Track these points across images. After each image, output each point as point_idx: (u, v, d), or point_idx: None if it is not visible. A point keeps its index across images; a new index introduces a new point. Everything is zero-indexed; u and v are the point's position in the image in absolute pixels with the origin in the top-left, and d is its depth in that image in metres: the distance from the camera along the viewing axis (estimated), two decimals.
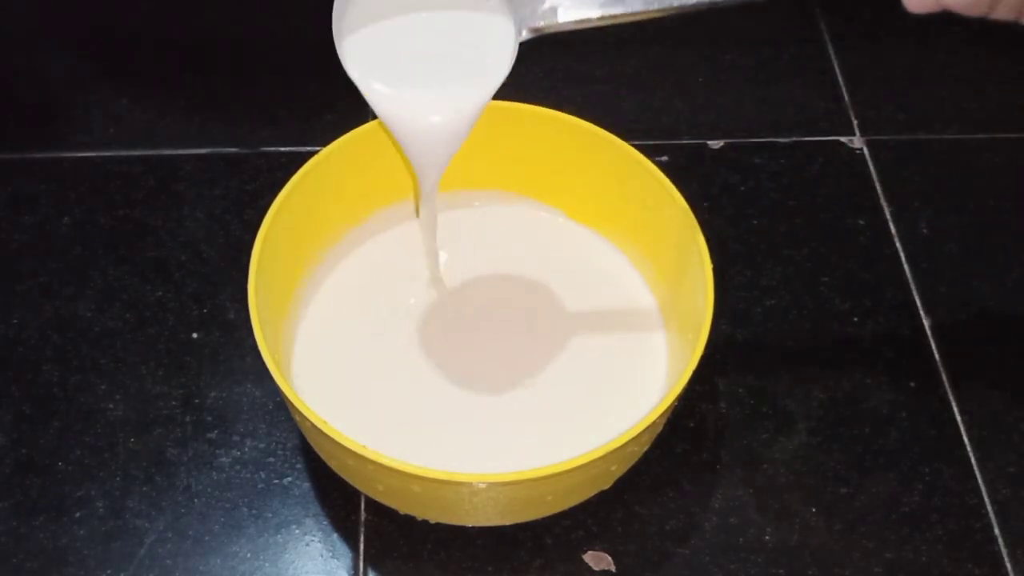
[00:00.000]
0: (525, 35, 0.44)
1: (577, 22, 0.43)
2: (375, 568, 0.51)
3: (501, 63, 0.44)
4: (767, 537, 0.52)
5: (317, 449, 0.52)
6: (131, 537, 0.52)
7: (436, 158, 0.48)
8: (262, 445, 0.55)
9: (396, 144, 0.57)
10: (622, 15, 0.43)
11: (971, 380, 0.58)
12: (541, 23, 0.44)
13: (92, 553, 0.51)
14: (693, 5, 0.43)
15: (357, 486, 0.52)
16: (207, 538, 0.52)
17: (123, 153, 0.66)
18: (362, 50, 0.45)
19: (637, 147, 0.55)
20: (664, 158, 0.66)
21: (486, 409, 0.54)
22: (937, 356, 0.59)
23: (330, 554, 0.52)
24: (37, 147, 0.67)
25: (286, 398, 0.47)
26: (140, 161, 0.66)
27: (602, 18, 0.43)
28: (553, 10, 0.43)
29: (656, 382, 0.54)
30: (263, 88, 0.70)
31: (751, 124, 0.69)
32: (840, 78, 0.71)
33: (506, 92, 0.59)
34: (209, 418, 0.56)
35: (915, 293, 0.61)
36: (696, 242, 0.51)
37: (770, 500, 0.54)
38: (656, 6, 0.43)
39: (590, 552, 0.52)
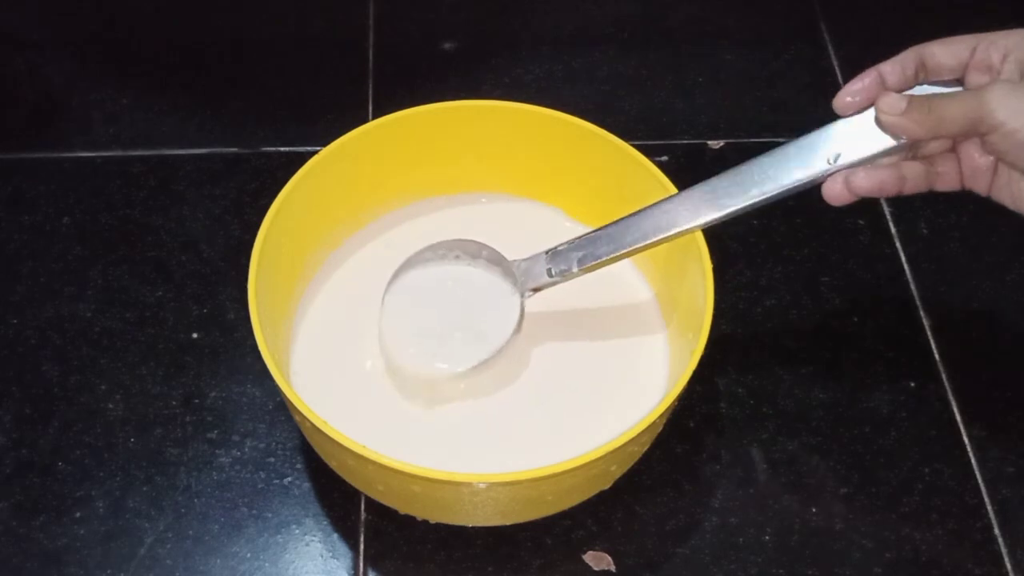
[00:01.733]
0: (529, 294, 0.54)
1: (562, 276, 0.53)
2: (375, 568, 0.51)
3: (509, 324, 0.54)
4: (767, 537, 0.52)
5: (317, 449, 0.52)
6: (131, 537, 0.52)
7: None
8: (262, 445, 0.55)
9: (397, 145, 0.57)
10: (595, 266, 0.52)
11: (971, 380, 0.58)
12: (537, 283, 0.54)
13: (92, 553, 0.51)
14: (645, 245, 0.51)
15: (357, 486, 0.52)
16: (207, 538, 0.52)
17: (123, 153, 0.66)
18: (400, 334, 0.54)
19: (637, 147, 0.55)
20: (664, 158, 0.66)
21: (486, 409, 0.53)
22: (937, 356, 0.59)
23: (330, 554, 0.52)
24: (37, 147, 0.67)
25: (286, 398, 0.47)
26: (140, 161, 0.66)
27: (581, 272, 0.52)
28: (547, 271, 0.53)
29: (656, 382, 0.54)
30: (263, 88, 0.71)
31: (751, 124, 0.69)
32: (840, 78, 0.71)
33: (507, 92, 0.59)
34: (209, 418, 0.56)
35: (915, 293, 0.61)
36: (696, 242, 0.51)
37: (770, 500, 0.54)
38: (619, 252, 0.51)
39: (590, 552, 0.52)
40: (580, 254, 0.52)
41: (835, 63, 0.72)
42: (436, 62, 0.72)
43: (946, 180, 0.48)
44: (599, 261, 0.52)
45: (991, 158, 0.47)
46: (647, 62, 0.72)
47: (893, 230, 0.64)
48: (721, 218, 0.49)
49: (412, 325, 0.54)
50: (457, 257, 0.56)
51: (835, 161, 0.47)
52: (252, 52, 0.73)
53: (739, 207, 0.49)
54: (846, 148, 0.47)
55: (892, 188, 0.48)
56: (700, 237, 0.51)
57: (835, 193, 0.48)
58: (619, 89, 0.71)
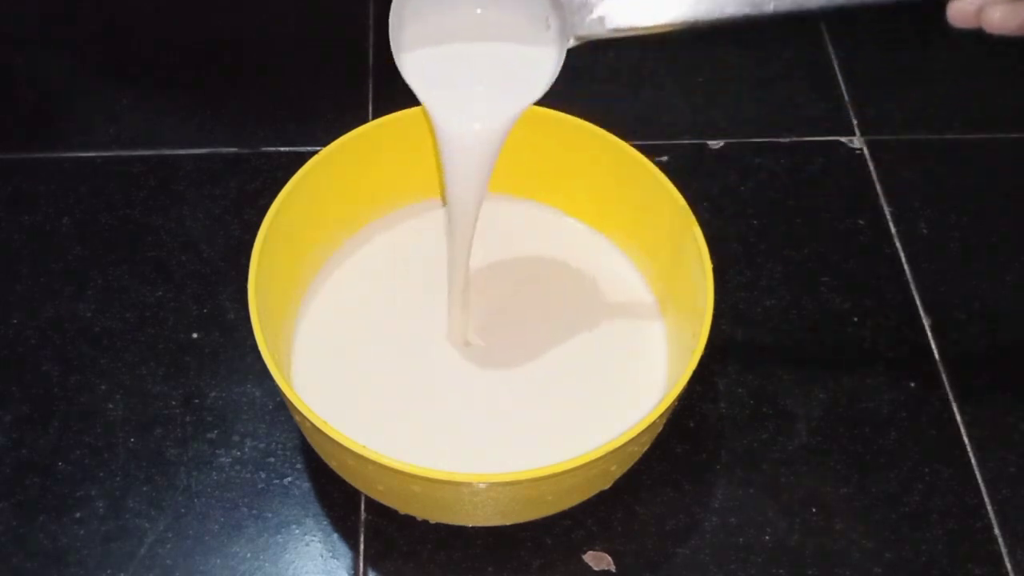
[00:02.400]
0: (572, 43, 0.45)
1: (616, 30, 0.45)
2: (375, 568, 0.51)
3: (544, 74, 0.46)
4: (767, 537, 0.52)
5: (317, 449, 0.52)
6: (131, 537, 0.52)
7: (475, 164, 0.50)
8: (262, 445, 0.55)
9: (397, 145, 0.57)
10: (666, 25, 0.44)
11: (971, 380, 0.58)
12: (587, 31, 0.45)
13: (92, 553, 0.51)
14: (731, 18, 0.43)
15: (357, 486, 0.52)
16: (207, 538, 0.52)
17: (123, 153, 0.66)
18: (418, 57, 0.47)
19: (637, 147, 0.55)
20: (664, 158, 0.66)
21: (486, 409, 0.53)
22: (937, 356, 0.59)
23: (330, 554, 0.52)
24: (37, 147, 0.67)
25: (286, 398, 0.47)
26: (140, 161, 0.66)
27: (646, 28, 0.44)
28: (600, 20, 0.45)
29: (656, 382, 0.54)
30: (263, 88, 0.71)
31: (751, 124, 0.69)
32: (840, 78, 0.71)
33: None
34: (209, 418, 0.56)
35: (915, 293, 0.61)
36: (696, 242, 0.51)
37: (770, 500, 0.54)
38: (701, 16, 0.44)
39: (590, 552, 0.52)
40: (648, 6, 0.44)
41: (835, 63, 0.72)
42: None
43: None
44: (674, 22, 0.44)
45: None
46: (647, 62, 0.72)
47: (893, 230, 0.64)
48: (815, 9, 0.42)
49: (432, 65, 0.47)
50: None
51: None
52: (252, 52, 0.73)
53: (844, 3, 0.42)
54: None
55: None
56: (700, 237, 0.51)
57: (963, 16, 0.43)
58: (619, 89, 0.71)
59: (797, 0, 0.42)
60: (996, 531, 0.53)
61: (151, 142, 0.67)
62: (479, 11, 0.46)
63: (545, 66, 0.46)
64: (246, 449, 0.55)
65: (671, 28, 0.44)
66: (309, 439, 0.52)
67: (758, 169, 0.67)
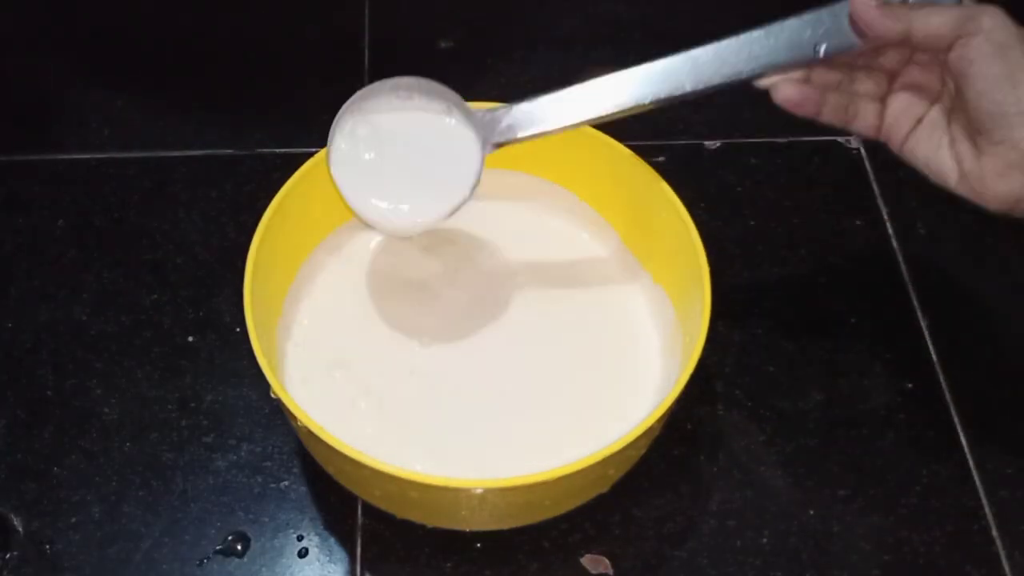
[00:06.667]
0: (489, 150, 0.51)
1: (531, 136, 0.51)
2: (372, 572, 0.51)
3: (468, 178, 0.51)
4: (764, 540, 0.52)
5: (314, 454, 0.51)
6: (127, 542, 0.52)
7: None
8: (258, 449, 0.55)
9: None
10: (572, 125, 0.51)
11: (969, 381, 0.58)
12: (502, 139, 0.51)
13: (88, 558, 0.51)
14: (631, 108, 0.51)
15: (354, 491, 0.51)
16: (203, 542, 0.52)
17: (118, 155, 0.66)
18: (351, 169, 0.52)
19: (634, 147, 0.55)
20: (661, 158, 0.65)
21: (483, 413, 0.53)
22: (935, 357, 0.59)
23: (327, 558, 0.51)
24: (31, 149, 0.66)
25: (282, 403, 0.47)
26: (135, 163, 0.66)
27: (552, 130, 0.51)
28: (511, 127, 0.51)
29: (654, 385, 0.54)
30: (259, 90, 0.70)
31: (748, 124, 0.69)
32: None
33: (504, 92, 0.58)
34: (205, 422, 0.55)
35: (912, 293, 0.61)
36: (693, 243, 0.51)
37: (768, 503, 0.54)
38: (601, 113, 0.51)
39: (588, 555, 0.52)
40: (548, 114, 0.51)
41: None
42: (433, 61, 0.72)
43: (863, 122, 0.50)
44: (567, 125, 0.51)
45: (919, 111, 0.49)
46: (644, 62, 0.72)
47: (890, 230, 0.64)
48: (697, 93, 0.50)
49: (363, 172, 0.52)
50: (410, 98, 0.53)
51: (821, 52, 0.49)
52: (248, 53, 0.72)
53: (718, 83, 0.50)
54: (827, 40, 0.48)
55: (811, 110, 0.49)
56: (697, 238, 0.51)
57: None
58: None
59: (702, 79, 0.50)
60: (994, 532, 0.53)
61: (146, 144, 0.67)
62: (406, 128, 0.52)
63: (469, 168, 0.51)
64: (242, 453, 0.54)
65: (572, 128, 0.51)
66: (305, 444, 0.52)
67: (755, 169, 0.67)
